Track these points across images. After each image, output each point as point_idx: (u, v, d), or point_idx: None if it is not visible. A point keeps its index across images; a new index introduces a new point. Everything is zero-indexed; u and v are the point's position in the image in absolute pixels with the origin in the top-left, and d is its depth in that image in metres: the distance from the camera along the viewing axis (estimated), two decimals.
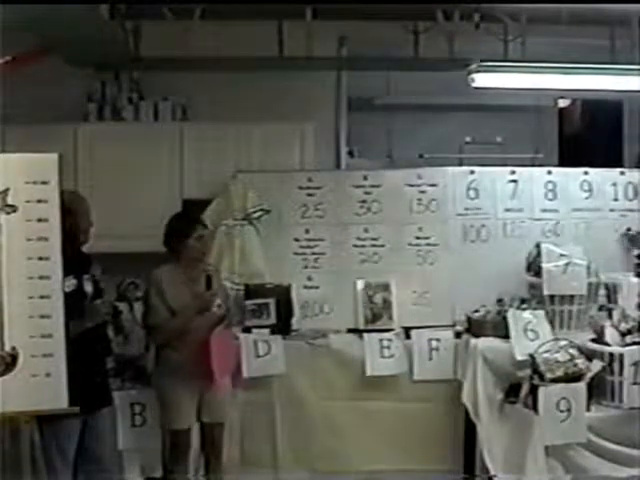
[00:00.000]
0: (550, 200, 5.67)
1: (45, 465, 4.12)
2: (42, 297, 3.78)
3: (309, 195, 5.58)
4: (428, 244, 5.59)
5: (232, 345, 4.93)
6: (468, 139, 7.47)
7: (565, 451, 4.67)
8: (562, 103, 7.77)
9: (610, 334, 4.87)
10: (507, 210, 5.64)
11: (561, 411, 4.62)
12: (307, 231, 5.57)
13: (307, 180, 5.59)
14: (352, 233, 5.57)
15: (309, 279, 5.55)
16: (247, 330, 5.23)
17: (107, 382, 4.45)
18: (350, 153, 6.69)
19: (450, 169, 5.71)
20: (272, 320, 5.26)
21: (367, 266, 5.56)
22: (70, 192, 4.12)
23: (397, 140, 7.60)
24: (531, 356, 4.79)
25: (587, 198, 5.69)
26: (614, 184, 5.72)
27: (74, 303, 3.97)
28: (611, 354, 4.76)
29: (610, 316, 5.04)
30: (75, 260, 4.09)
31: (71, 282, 4.03)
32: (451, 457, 5.24)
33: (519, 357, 4.88)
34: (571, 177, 5.72)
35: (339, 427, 5.27)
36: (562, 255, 5.23)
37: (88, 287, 4.19)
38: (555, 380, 4.68)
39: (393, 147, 7.57)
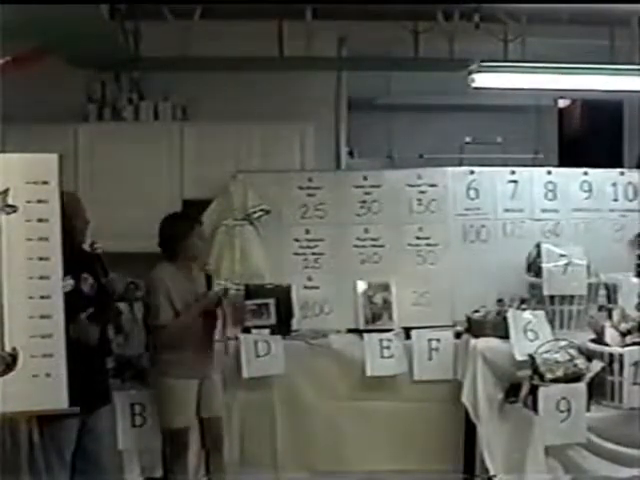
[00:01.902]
0: (550, 200, 5.66)
1: (44, 465, 4.13)
2: (42, 297, 3.77)
3: (309, 195, 5.57)
4: (428, 244, 5.58)
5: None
6: (468, 139, 7.46)
7: (565, 451, 4.66)
8: (562, 103, 7.77)
9: (610, 334, 4.86)
10: (507, 210, 5.64)
11: (561, 411, 4.62)
12: (307, 231, 5.57)
13: (307, 180, 5.58)
14: (352, 233, 5.57)
15: (309, 279, 5.54)
16: (247, 330, 5.23)
17: (107, 381, 4.45)
18: (350, 153, 6.68)
19: (450, 169, 5.71)
20: (272, 320, 5.27)
21: (367, 266, 5.56)
22: (66, 193, 4.11)
23: (397, 140, 7.60)
24: (531, 356, 4.78)
25: (587, 198, 5.69)
26: (614, 184, 5.72)
27: (73, 302, 3.97)
28: (611, 354, 4.75)
29: (610, 316, 5.03)
30: (74, 260, 4.09)
31: (68, 282, 4.02)
32: (451, 457, 5.25)
33: (519, 357, 4.88)
34: (571, 177, 5.72)
35: (339, 427, 5.27)
36: (562, 255, 5.23)
37: (85, 287, 4.18)
38: (555, 380, 4.68)
39: (393, 147, 7.56)
